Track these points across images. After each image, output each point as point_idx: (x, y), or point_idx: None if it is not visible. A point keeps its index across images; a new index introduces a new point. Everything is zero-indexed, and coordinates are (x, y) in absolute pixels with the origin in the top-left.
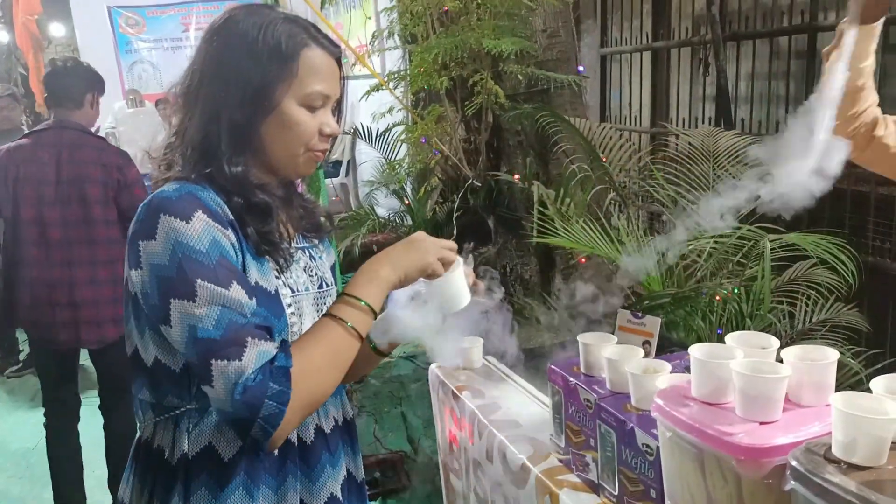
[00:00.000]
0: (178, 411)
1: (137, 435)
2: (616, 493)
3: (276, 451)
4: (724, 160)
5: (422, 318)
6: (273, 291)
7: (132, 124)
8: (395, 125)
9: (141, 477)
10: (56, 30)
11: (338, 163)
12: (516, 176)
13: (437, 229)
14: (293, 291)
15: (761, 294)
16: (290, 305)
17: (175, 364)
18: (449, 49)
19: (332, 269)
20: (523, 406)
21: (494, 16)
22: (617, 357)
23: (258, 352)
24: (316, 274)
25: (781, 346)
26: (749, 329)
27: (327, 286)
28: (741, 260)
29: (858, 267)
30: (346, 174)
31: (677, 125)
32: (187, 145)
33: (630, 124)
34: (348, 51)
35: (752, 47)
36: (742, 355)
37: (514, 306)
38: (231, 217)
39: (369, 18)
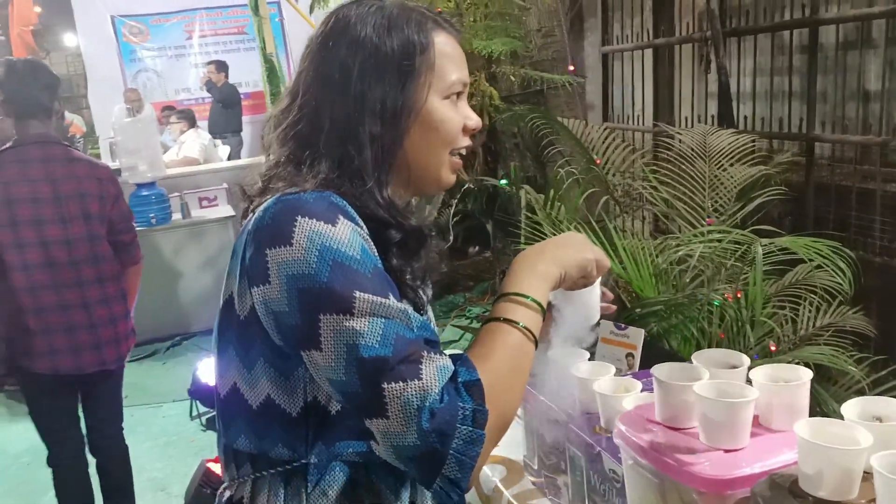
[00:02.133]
0: (288, 466)
1: (220, 492)
2: None
3: None
4: (721, 159)
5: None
6: None
7: (131, 133)
8: None
9: None
10: (60, 40)
11: None
12: (503, 180)
13: (438, 234)
14: None
15: (755, 300)
16: None
17: (292, 406)
18: None
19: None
20: None
21: (487, 16)
22: (586, 375)
23: (438, 368)
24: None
25: (784, 351)
26: (748, 336)
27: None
28: (736, 264)
29: (857, 269)
30: None
31: (680, 124)
32: (314, 173)
33: (633, 123)
34: None
35: (754, 42)
36: (707, 376)
37: None
38: (368, 233)
39: None
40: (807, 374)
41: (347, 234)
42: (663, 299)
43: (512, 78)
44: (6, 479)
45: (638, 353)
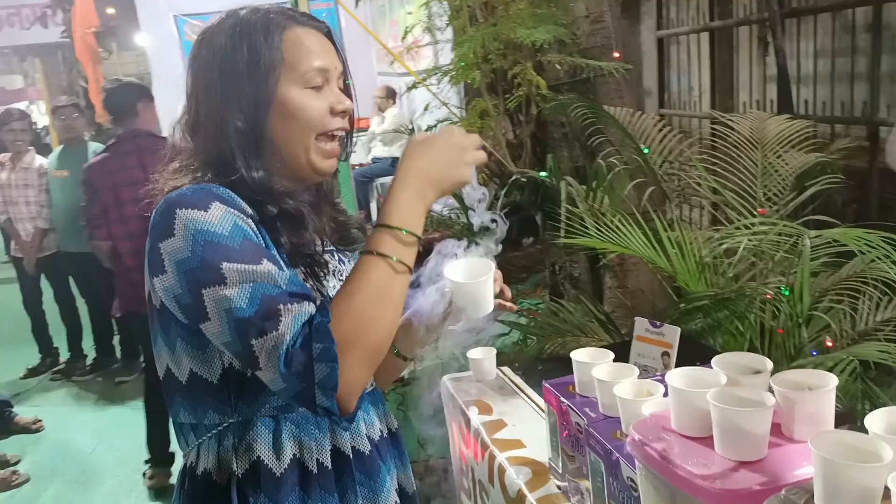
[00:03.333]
0: (220, 428)
1: (182, 465)
2: None
3: (329, 464)
4: (776, 146)
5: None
6: None
7: None
8: (441, 121)
9: None
10: (130, 39)
11: (395, 160)
12: (542, 172)
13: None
14: (325, 297)
15: (802, 294)
16: None
17: (212, 374)
18: (487, 41)
19: None
20: (532, 424)
21: (534, 3)
22: (608, 377)
23: (294, 316)
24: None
25: (841, 348)
26: (802, 332)
27: None
28: (789, 256)
29: None
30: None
31: (739, 109)
32: (201, 167)
33: (690, 109)
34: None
35: (814, 23)
36: (724, 382)
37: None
38: (252, 213)
39: (409, 14)
40: (832, 381)
41: (218, 216)
42: (710, 293)
43: (558, 66)
44: (71, 467)
45: (674, 353)
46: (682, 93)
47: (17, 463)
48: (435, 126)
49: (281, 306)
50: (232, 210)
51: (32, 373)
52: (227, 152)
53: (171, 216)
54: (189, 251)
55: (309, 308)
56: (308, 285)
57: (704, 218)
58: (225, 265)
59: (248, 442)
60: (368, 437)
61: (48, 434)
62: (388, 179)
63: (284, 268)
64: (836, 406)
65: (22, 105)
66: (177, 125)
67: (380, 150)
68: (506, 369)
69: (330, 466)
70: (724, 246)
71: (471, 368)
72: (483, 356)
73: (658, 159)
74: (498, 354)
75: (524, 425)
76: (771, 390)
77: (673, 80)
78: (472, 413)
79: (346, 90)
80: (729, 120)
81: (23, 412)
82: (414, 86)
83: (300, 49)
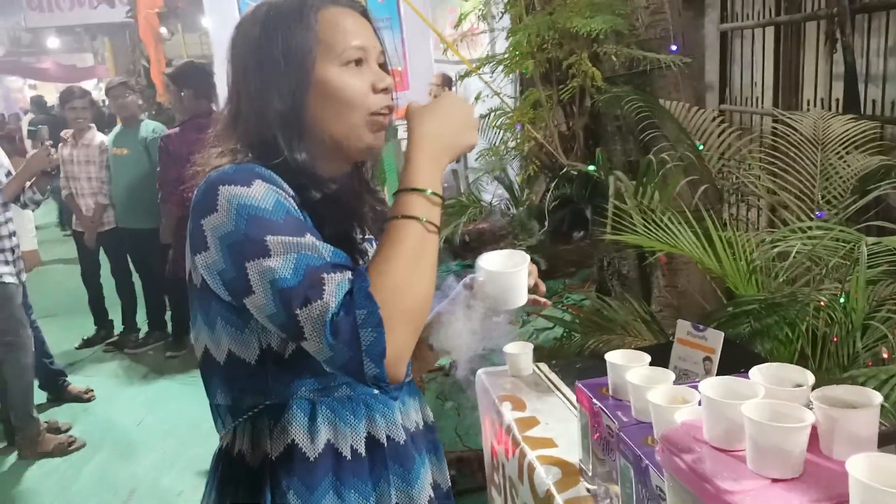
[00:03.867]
0: (256, 410)
1: (217, 447)
2: None
3: (363, 451)
4: (838, 147)
5: (478, 319)
6: None
7: None
8: (494, 110)
9: (221, 490)
10: (196, 21)
11: None
12: (590, 167)
13: (539, 218)
14: None
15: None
16: None
17: (250, 355)
18: (542, 29)
19: None
20: (565, 423)
21: None
22: (641, 381)
23: (337, 285)
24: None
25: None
26: (857, 342)
27: None
28: (844, 262)
29: None
30: (458, 160)
31: (803, 107)
32: (242, 150)
33: (752, 106)
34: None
35: (886, 19)
36: (762, 394)
37: (602, 306)
38: (296, 197)
39: (466, 1)
40: (875, 399)
41: (262, 192)
42: (760, 297)
43: (614, 58)
44: (117, 437)
45: (716, 358)
46: (744, 88)
47: (67, 430)
48: (488, 116)
49: (325, 275)
50: (274, 187)
51: (87, 343)
52: (270, 137)
53: (214, 193)
54: (233, 225)
55: (347, 276)
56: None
57: (762, 218)
58: (269, 238)
59: (283, 425)
60: (404, 427)
61: (98, 404)
62: None
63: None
64: (883, 425)
65: (91, 83)
66: (221, 116)
67: None
68: (542, 365)
69: (364, 454)
70: (776, 249)
71: (507, 363)
72: (519, 351)
73: (714, 156)
74: (538, 349)
75: (557, 424)
76: (811, 405)
77: (735, 74)
78: (505, 409)
79: (384, 70)
80: (790, 118)
81: (75, 381)
82: (467, 74)
83: (336, 28)
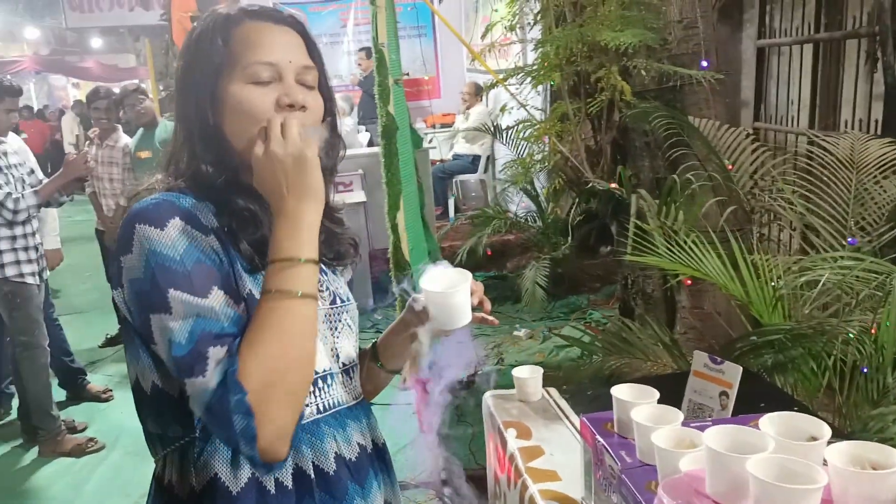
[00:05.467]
0: (183, 441)
1: (152, 472)
2: None
3: (289, 484)
4: (874, 170)
5: (427, 338)
6: None
7: None
8: (520, 122)
9: None
10: None
11: (476, 158)
12: (613, 184)
13: (564, 232)
14: None
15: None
16: None
17: (173, 389)
18: (571, 42)
19: (350, 284)
20: (571, 455)
21: (624, 5)
22: (646, 421)
23: (218, 362)
24: (328, 288)
25: None
26: (887, 376)
27: (342, 302)
28: (877, 293)
29: None
30: (486, 170)
31: (841, 127)
32: (170, 161)
33: (787, 125)
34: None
35: None
36: (772, 448)
37: (622, 328)
38: (216, 225)
39: (495, 11)
40: None
41: (173, 236)
42: (785, 327)
43: (643, 72)
44: (132, 438)
45: (733, 393)
46: (780, 106)
47: (83, 430)
48: (515, 126)
49: (211, 349)
50: (190, 227)
51: (110, 342)
52: (193, 152)
53: (131, 231)
54: (141, 272)
55: (231, 352)
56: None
57: (795, 239)
58: (171, 293)
59: (205, 458)
60: (337, 456)
61: (115, 404)
62: (467, 177)
63: (239, 301)
64: None
65: (134, 83)
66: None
67: (461, 147)
68: (552, 391)
69: (291, 486)
70: (803, 278)
71: (515, 387)
72: (528, 375)
73: (744, 176)
74: (554, 367)
75: (563, 455)
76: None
77: (772, 92)
78: (510, 435)
79: (323, 88)
80: (824, 139)
81: (95, 380)
82: (493, 85)
83: (246, 44)
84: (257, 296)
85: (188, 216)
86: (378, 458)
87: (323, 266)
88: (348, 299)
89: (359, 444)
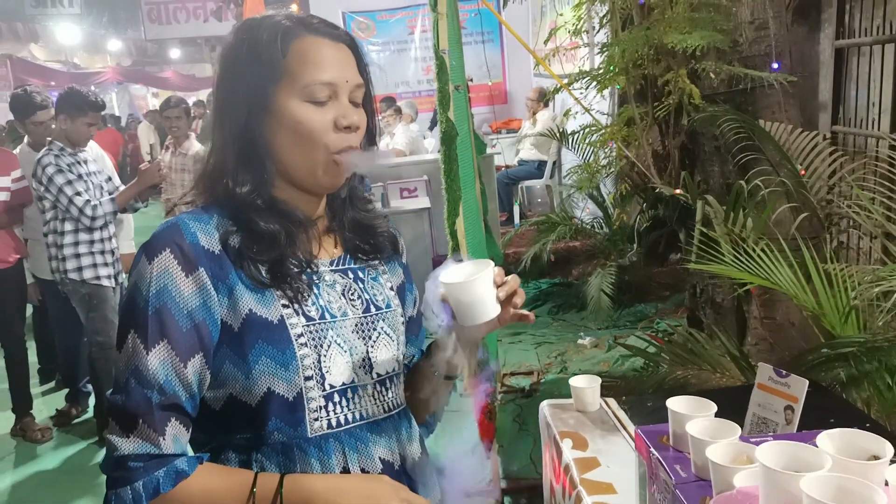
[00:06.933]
0: (205, 448)
1: None
2: None
3: None
4: None
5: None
6: (276, 321)
7: None
8: (586, 128)
9: None
10: None
11: (542, 163)
12: (677, 190)
13: (631, 239)
14: (309, 320)
15: None
16: (301, 335)
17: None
18: (637, 45)
19: (401, 289)
20: (627, 467)
21: (693, 7)
22: (702, 434)
23: (139, 444)
24: (360, 297)
25: None
26: None
27: (378, 309)
28: None
29: None
30: (551, 176)
31: None
32: (205, 173)
33: (868, 128)
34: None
35: None
36: (829, 466)
37: (688, 338)
38: (218, 250)
39: (560, 15)
40: None
41: (155, 273)
42: (859, 339)
43: (712, 75)
44: None
45: (798, 407)
46: (859, 109)
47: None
48: (581, 131)
49: (140, 421)
50: (177, 264)
51: None
52: (227, 160)
53: (141, 253)
54: (126, 297)
55: (158, 441)
56: (283, 310)
57: (876, 247)
58: (130, 336)
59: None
60: (345, 471)
61: None
62: (532, 182)
63: (195, 352)
64: None
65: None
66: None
67: (527, 153)
68: (611, 401)
69: None
70: (878, 288)
71: (572, 397)
72: (586, 385)
73: (819, 182)
74: (617, 377)
75: (619, 468)
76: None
77: (851, 94)
78: (566, 446)
79: (367, 104)
80: (892, 139)
81: None
82: (557, 90)
83: (304, 59)
84: (259, 313)
85: (185, 246)
86: (404, 475)
87: (358, 273)
88: (387, 306)
89: (381, 458)
